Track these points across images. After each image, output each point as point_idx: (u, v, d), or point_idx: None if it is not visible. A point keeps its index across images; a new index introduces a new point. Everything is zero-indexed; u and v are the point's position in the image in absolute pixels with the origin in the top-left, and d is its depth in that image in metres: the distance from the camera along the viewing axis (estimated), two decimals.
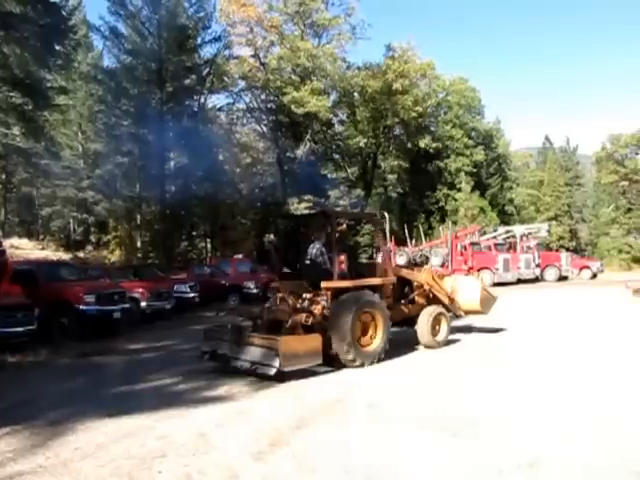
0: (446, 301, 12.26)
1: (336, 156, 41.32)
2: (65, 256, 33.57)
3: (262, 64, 37.23)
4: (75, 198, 38.59)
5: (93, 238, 41.92)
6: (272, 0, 37.31)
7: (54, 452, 5.90)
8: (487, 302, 12.91)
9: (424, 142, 43.75)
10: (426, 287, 11.99)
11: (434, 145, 44.79)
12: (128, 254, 34.17)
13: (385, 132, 41.99)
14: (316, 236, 11.18)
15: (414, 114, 41.49)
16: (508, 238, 34.09)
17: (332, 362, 9.55)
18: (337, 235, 10.84)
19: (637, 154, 56.83)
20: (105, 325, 15.26)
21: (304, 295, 10.03)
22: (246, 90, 38.95)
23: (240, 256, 29.50)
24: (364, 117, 40.78)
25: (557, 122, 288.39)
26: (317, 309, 9.72)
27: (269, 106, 39.14)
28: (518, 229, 34.65)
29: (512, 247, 32.49)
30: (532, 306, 17.00)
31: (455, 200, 47.04)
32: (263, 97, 39.18)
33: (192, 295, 21.56)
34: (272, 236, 41.07)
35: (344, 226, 11.79)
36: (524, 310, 17.69)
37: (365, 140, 39.59)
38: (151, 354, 12.37)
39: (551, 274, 33.02)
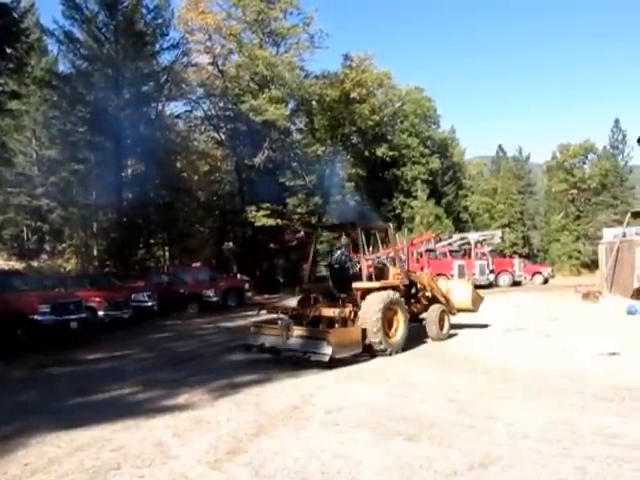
0: (443, 301, 13.95)
1: (294, 164, 41.26)
2: (18, 265, 32.84)
3: (220, 72, 37.04)
4: (29, 206, 37.53)
5: (48, 247, 40.93)
6: (231, 8, 37.12)
7: (1, 469, 5.73)
8: (476, 301, 15.00)
9: (381, 150, 44.09)
10: (428, 289, 13.85)
11: (391, 153, 45.15)
12: (84, 263, 33.52)
13: (343, 140, 42.18)
14: (342, 244, 13.29)
15: (371, 123, 41.79)
16: (463, 245, 34.55)
17: (367, 350, 11.07)
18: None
19: (584, 164, 58.41)
20: (61, 335, 14.95)
21: (338, 295, 11.93)
22: (204, 98, 38.69)
23: (199, 264, 29.26)
24: (322, 125, 40.88)
25: (510, 132, 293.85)
26: (349, 306, 11.44)
27: (227, 114, 38.95)
28: (473, 236, 35.14)
29: (467, 254, 32.94)
30: (492, 310, 17.20)
31: (411, 208, 47.45)
32: (221, 105, 39.00)
33: (150, 304, 21.31)
34: (231, 244, 41.05)
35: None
36: (485, 313, 17.89)
37: (323, 148, 39.65)
38: (109, 364, 12.18)
39: (505, 280, 33.62)
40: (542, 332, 14.12)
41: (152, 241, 37.30)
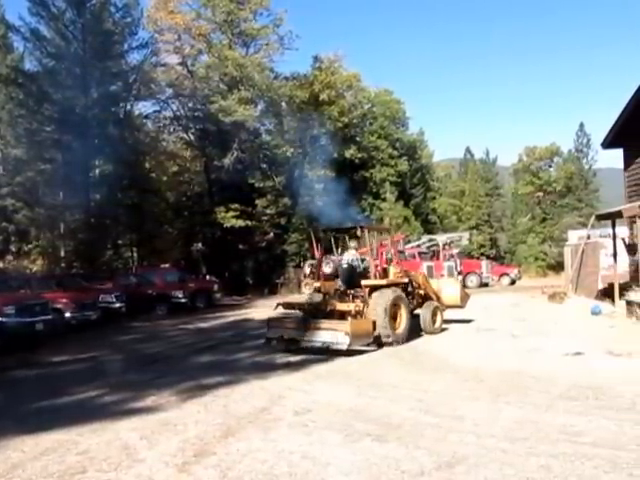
0: (434, 298, 15.16)
1: (263, 165, 41.11)
2: None
3: (190, 72, 36.81)
4: None
5: (13, 247, 40.16)
6: (200, 8, 36.89)
7: None
8: (464, 299, 16.40)
9: (350, 152, 44.10)
10: (422, 287, 14.97)
11: (360, 155, 45.21)
12: (51, 264, 32.96)
13: (312, 142, 42.18)
14: (350, 245, 14.61)
15: (340, 124, 41.84)
16: (431, 246, 34.79)
17: (375, 341, 12.31)
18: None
19: (550, 167, 59.30)
20: (27, 337, 14.72)
21: (349, 291, 13.26)
22: (173, 98, 38.29)
23: (167, 265, 29.03)
24: (291, 127, 40.82)
25: (478, 135, 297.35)
26: (358, 302, 12.76)
27: (196, 114, 38.67)
28: (441, 238, 35.41)
29: (435, 255, 33.16)
30: (460, 311, 17.36)
31: (380, 209, 47.59)
32: (190, 105, 38.67)
33: (118, 305, 21.12)
34: (200, 245, 40.76)
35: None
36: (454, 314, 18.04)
37: (292, 150, 39.56)
38: (76, 366, 12.03)
39: (472, 281, 33.91)
40: (509, 332, 14.29)
41: (120, 242, 36.90)
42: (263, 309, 24.52)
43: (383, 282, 13.32)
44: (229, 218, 34.83)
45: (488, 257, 47.97)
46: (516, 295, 26.72)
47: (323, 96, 39.21)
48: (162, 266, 28.79)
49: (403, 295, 13.53)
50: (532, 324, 15.80)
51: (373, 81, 52.07)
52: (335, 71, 40.84)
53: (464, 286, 27.82)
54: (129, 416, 7.50)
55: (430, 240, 36.22)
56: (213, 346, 14.23)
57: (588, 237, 23.29)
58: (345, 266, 13.67)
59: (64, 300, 17.95)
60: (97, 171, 33.81)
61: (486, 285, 34.50)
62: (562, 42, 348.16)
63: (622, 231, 19.64)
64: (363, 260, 14.00)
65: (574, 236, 28.26)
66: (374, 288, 13.06)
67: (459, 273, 32.60)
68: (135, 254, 39.46)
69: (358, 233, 14.45)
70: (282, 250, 40.38)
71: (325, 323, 12.13)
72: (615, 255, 18.25)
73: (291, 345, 12.39)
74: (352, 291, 13.31)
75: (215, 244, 37.75)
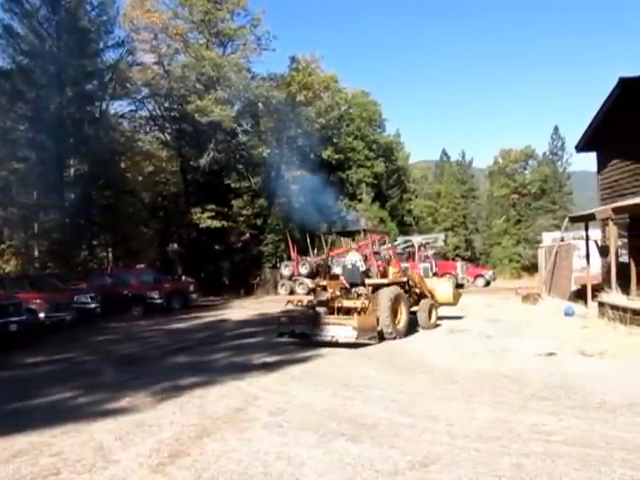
0: (429, 296, 16.25)
1: (240, 166, 41.00)
2: None
3: (166, 72, 36.55)
4: None
5: None
6: (177, 7, 36.75)
7: None
8: (456, 297, 17.75)
9: (327, 153, 44.22)
10: (418, 286, 16.07)
11: (336, 156, 45.34)
12: (24, 264, 32.51)
13: (288, 143, 42.17)
14: (352, 247, 15.87)
15: (317, 125, 41.90)
16: (407, 248, 34.93)
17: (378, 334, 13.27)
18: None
19: (525, 169, 59.93)
20: (0, 338, 14.51)
21: (353, 290, 14.34)
22: (149, 97, 38.10)
23: (143, 266, 28.85)
24: (268, 127, 40.78)
25: (454, 137, 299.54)
26: (362, 299, 13.74)
27: (173, 114, 38.51)
28: (416, 239, 35.58)
29: (411, 256, 33.30)
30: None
31: (356, 210, 47.72)
32: (167, 105, 38.50)
33: (93, 306, 20.95)
34: (175, 245, 40.54)
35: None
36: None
37: (269, 150, 39.49)
38: (50, 367, 11.90)
39: None
40: (484, 333, 14.45)
41: (95, 242, 36.59)
42: (239, 310, 24.57)
43: (385, 281, 14.48)
44: (205, 219, 34.73)
45: (463, 258, 48.29)
46: (491, 296, 26.97)
47: (300, 97, 39.25)
48: (137, 267, 28.54)
49: (403, 293, 14.64)
50: (506, 325, 15.98)
51: (350, 83, 51.98)
52: (312, 72, 40.88)
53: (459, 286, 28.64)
54: (104, 417, 7.44)
55: (406, 241, 36.37)
56: (189, 347, 14.17)
57: (562, 239, 23.59)
58: (350, 266, 14.74)
59: (38, 301, 17.74)
60: (72, 171, 33.42)
61: (461, 286, 34.72)
62: (538, 46, 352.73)
63: (595, 233, 19.91)
64: (361, 260, 15.00)
65: (548, 238, 28.60)
66: (377, 286, 14.18)
67: (434, 274, 32.79)
68: (110, 254, 39.17)
69: (361, 236, 17.14)
70: (258, 251, 40.36)
71: (333, 318, 13.25)
72: (588, 257, 18.49)
73: (302, 339, 13.29)
74: (355, 289, 14.43)
75: (191, 245, 37.60)
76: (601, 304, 15.39)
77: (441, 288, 17.43)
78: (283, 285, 34.91)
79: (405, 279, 15.44)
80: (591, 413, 6.95)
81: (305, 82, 39.55)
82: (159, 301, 24.06)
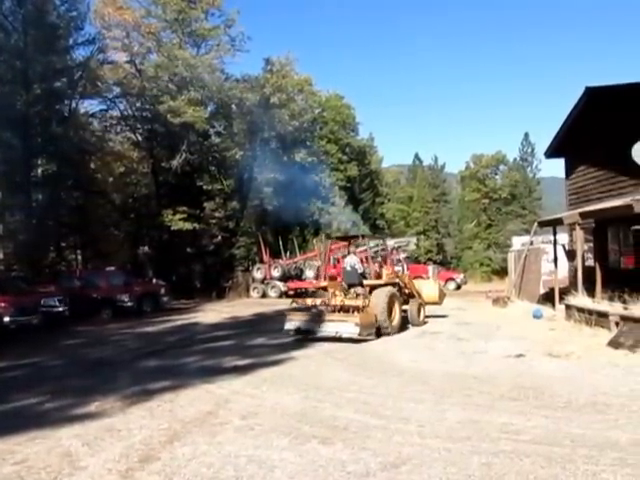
0: (417, 296, 17.53)
1: (212, 168, 40.82)
2: None
3: (138, 71, 36.23)
4: None
5: None
6: (150, 6, 36.51)
7: None
8: (441, 297, 19.08)
9: (300, 156, 44.17)
10: (408, 286, 17.41)
11: (309, 159, 45.30)
12: None
13: (261, 145, 42.13)
14: (352, 250, 16.81)
15: (290, 128, 41.90)
16: (380, 251, 35.06)
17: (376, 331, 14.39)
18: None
19: (496, 174, 60.64)
20: None
21: (352, 290, 15.45)
22: (121, 97, 37.65)
23: (113, 268, 28.58)
24: (241, 129, 40.69)
25: (427, 142, 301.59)
26: (360, 298, 14.84)
27: (144, 114, 38.17)
28: (389, 242, 35.73)
29: (383, 260, 33.42)
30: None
31: (329, 213, 47.83)
32: (138, 105, 38.11)
33: (61, 309, 20.63)
34: (146, 248, 40.19)
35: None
36: None
37: (241, 152, 39.39)
38: (15, 372, 11.72)
39: None
40: (454, 336, 14.62)
41: (64, 244, 36.13)
42: (211, 313, 24.47)
43: (382, 282, 15.75)
44: (177, 221, 34.51)
45: (435, 262, 48.66)
46: (462, 299, 27.23)
47: (274, 99, 39.24)
48: (107, 269, 28.20)
49: (396, 292, 15.94)
50: (476, 327, 16.17)
51: (324, 86, 52.34)
52: (286, 74, 40.89)
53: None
54: (71, 422, 7.36)
55: (378, 245, 36.52)
56: (159, 350, 14.09)
57: (531, 243, 23.92)
58: (349, 269, 15.81)
59: (2, 304, 17.44)
60: (39, 170, 32.97)
61: (459, 287, 35.22)
62: (510, 53, 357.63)
63: (563, 238, 20.26)
64: (359, 262, 16.06)
65: (518, 242, 28.96)
66: (374, 287, 15.43)
67: None
68: (79, 256, 38.70)
69: (360, 241, 20.15)
70: (230, 254, 40.22)
71: (336, 316, 14.47)
72: (556, 261, 18.81)
73: (307, 335, 14.48)
74: (354, 289, 15.53)
75: (162, 247, 37.33)
76: (568, 307, 15.68)
77: (428, 289, 18.76)
78: (255, 288, 34.86)
79: (397, 280, 16.67)
80: (557, 412, 7.10)
81: (279, 84, 39.56)
82: (129, 304, 23.82)
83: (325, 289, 16.11)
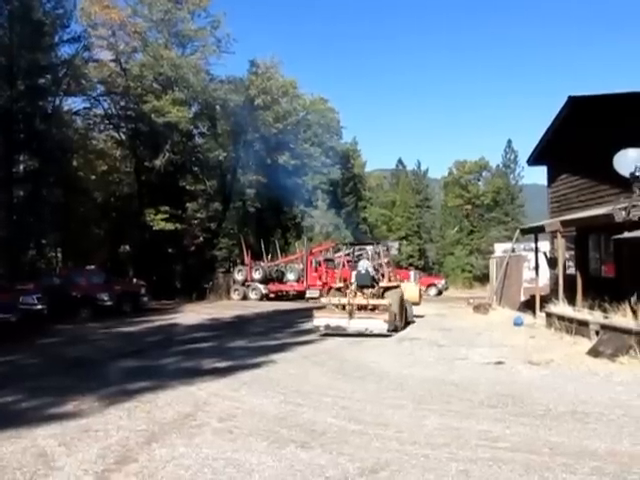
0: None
1: (195, 168, 40.66)
2: None
3: (123, 70, 36.04)
4: None
5: None
6: (137, 5, 36.37)
7: None
8: (421, 297, 21.57)
9: (283, 158, 44.18)
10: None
11: (293, 162, 45.32)
12: None
13: (245, 146, 42.07)
14: (363, 256, 20.24)
15: (274, 130, 41.95)
16: (360, 255, 35.12)
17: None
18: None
19: (479, 180, 60.96)
20: None
21: (368, 291, 16.96)
22: (105, 95, 37.42)
23: (93, 267, 28.32)
24: (225, 130, 40.62)
25: (410, 147, 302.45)
26: (387, 298, 16.49)
27: (128, 113, 37.86)
28: (370, 247, 35.78)
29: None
30: None
31: (311, 217, 47.90)
32: (123, 104, 37.84)
33: (40, 307, 20.37)
34: (127, 247, 39.92)
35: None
36: None
37: (225, 154, 39.31)
38: None
39: None
40: (435, 342, 14.64)
41: (44, 241, 35.79)
42: (191, 314, 24.36)
43: (394, 284, 17.97)
44: (158, 220, 34.32)
45: (417, 268, 48.82)
46: (443, 305, 27.37)
47: (258, 101, 39.27)
48: (87, 268, 27.97)
49: (403, 293, 17.84)
50: (457, 334, 16.24)
51: (309, 89, 52.27)
52: (271, 77, 40.94)
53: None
54: (48, 422, 7.27)
55: (360, 249, 36.58)
56: (138, 351, 14.00)
57: (513, 250, 24.06)
58: (363, 271, 17.32)
59: None
60: (21, 167, 32.67)
61: (440, 293, 35.33)
62: (494, 60, 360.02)
63: (544, 245, 20.40)
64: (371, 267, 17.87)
65: (500, 249, 29.11)
66: (386, 288, 17.22)
67: None
68: (60, 254, 38.36)
69: (374, 247, 23.53)
70: (211, 255, 40.12)
71: (364, 314, 16.00)
72: (537, 268, 18.95)
73: (337, 331, 15.64)
74: (365, 290, 16.99)
75: (143, 247, 37.04)
76: (549, 314, 15.78)
77: (410, 290, 20.25)
78: (236, 290, 34.76)
79: (400, 283, 19.09)
80: (536, 420, 7.12)
81: (264, 86, 39.61)
82: (109, 303, 23.60)
83: (340, 290, 17.35)
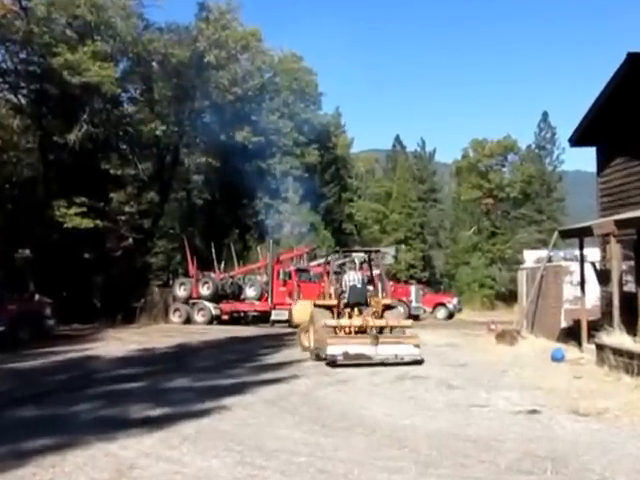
0: None
1: (123, 146, 40.59)
2: None
3: (24, 9, 35.60)
4: None
5: None
6: None
7: None
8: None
9: (242, 135, 44.09)
10: None
11: (255, 139, 45.25)
12: None
13: (191, 118, 42.02)
14: (351, 266, 20.35)
15: (230, 97, 41.96)
16: (345, 265, 35.15)
17: None
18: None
19: (504, 166, 61.00)
20: None
21: (366, 310, 18.15)
22: None
23: None
24: (164, 96, 40.54)
25: (411, 121, 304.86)
26: (367, 317, 17.70)
27: (31, 69, 37.47)
28: (358, 254, 35.84)
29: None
30: None
31: (279, 213, 47.87)
32: (23, 56, 37.46)
33: None
34: (27, 251, 39.56)
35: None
36: None
37: (164, 127, 39.16)
38: None
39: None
40: (444, 382, 14.55)
41: None
42: (115, 343, 24.21)
43: (396, 301, 20.02)
44: (71, 216, 34.10)
45: (419, 281, 49.05)
46: (455, 332, 27.44)
47: (209, 57, 39.24)
48: None
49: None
50: (474, 371, 16.21)
51: (277, 42, 52.40)
52: (227, 25, 40.87)
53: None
54: None
55: (344, 257, 36.64)
56: (41, 394, 13.78)
57: (549, 259, 24.11)
58: (359, 285, 18.57)
59: None
60: None
61: (416, 318, 35.14)
62: (521, 10, 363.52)
63: (593, 253, 20.39)
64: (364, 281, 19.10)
65: (531, 258, 29.19)
66: (388, 306, 18.56)
67: None
68: None
69: (373, 255, 23.61)
70: (144, 262, 39.97)
71: (390, 337, 17.12)
72: (583, 284, 18.92)
73: (358, 361, 16.28)
74: (358, 308, 18.10)
75: (50, 251, 36.72)
76: (600, 347, 15.70)
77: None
78: (177, 310, 34.66)
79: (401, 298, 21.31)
80: None
81: (217, 38, 39.61)
82: (0, 329, 23.37)
83: (330, 309, 18.22)
